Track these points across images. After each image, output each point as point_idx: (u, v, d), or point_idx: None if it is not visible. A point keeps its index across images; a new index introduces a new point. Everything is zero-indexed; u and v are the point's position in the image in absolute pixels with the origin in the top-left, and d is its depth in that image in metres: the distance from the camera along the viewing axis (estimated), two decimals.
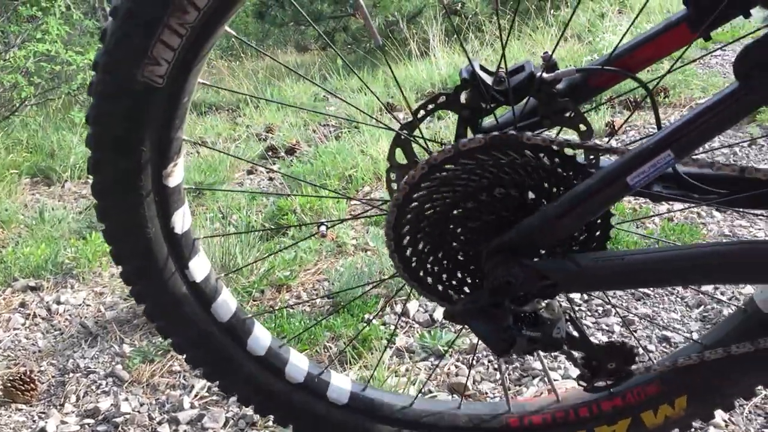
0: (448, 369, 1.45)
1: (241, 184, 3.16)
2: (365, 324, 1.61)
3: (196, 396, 1.49)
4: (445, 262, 0.90)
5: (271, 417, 1.12)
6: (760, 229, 1.82)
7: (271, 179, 3.17)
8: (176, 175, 0.92)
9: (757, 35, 0.74)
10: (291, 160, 3.27)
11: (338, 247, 2.12)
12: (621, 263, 0.81)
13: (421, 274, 0.91)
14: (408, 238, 0.89)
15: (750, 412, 1.23)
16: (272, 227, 2.34)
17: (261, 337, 1.07)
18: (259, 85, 5.23)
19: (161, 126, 0.85)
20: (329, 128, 4.00)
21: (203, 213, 2.56)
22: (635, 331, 1.49)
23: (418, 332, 1.60)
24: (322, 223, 1.04)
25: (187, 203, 0.96)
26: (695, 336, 1.42)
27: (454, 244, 0.89)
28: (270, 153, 3.45)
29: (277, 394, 1.09)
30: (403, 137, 0.88)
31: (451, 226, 0.88)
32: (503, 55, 0.85)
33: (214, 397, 1.48)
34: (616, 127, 2.69)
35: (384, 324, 1.63)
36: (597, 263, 0.82)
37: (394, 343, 1.56)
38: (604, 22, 4.76)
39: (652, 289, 1.58)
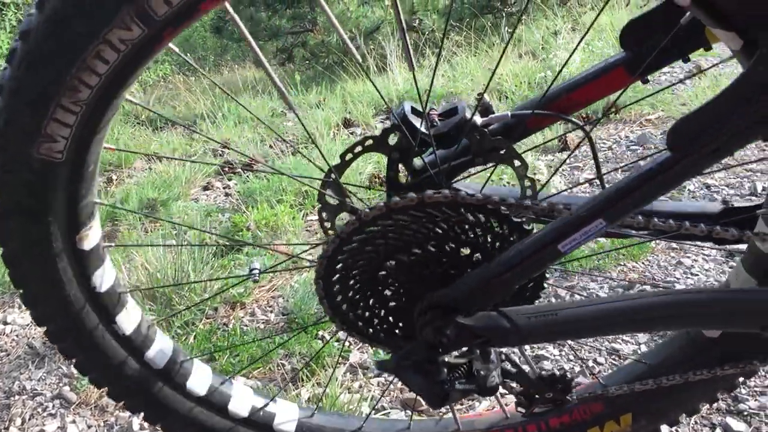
0: (401, 385, 1.45)
1: (196, 200, 3.13)
2: (320, 341, 1.61)
3: None
4: (378, 312, 0.89)
5: None
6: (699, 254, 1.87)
7: (227, 195, 3.14)
8: (91, 237, 0.90)
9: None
10: (247, 176, 3.25)
11: (294, 263, 2.11)
12: (554, 319, 0.81)
13: (354, 322, 0.90)
14: (338, 287, 0.87)
15: (696, 423, 1.25)
16: (226, 243, 2.32)
17: (201, 377, 1.06)
18: (216, 100, 5.19)
19: (67, 196, 0.82)
20: (287, 144, 3.99)
21: (157, 230, 2.53)
22: (586, 343, 1.51)
23: (371, 348, 1.59)
24: (252, 270, 1.02)
25: (109, 260, 0.93)
26: (643, 348, 1.45)
27: (386, 296, 0.88)
28: (226, 169, 3.43)
29: (222, 431, 1.07)
30: (332, 180, 0.88)
31: (382, 281, 0.86)
32: (428, 95, 0.85)
33: None
34: (567, 144, 2.75)
35: (338, 340, 1.63)
36: (530, 320, 0.81)
37: (348, 360, 1.55)
38: (558, 39, 4.85)
39: None
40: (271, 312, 1.86)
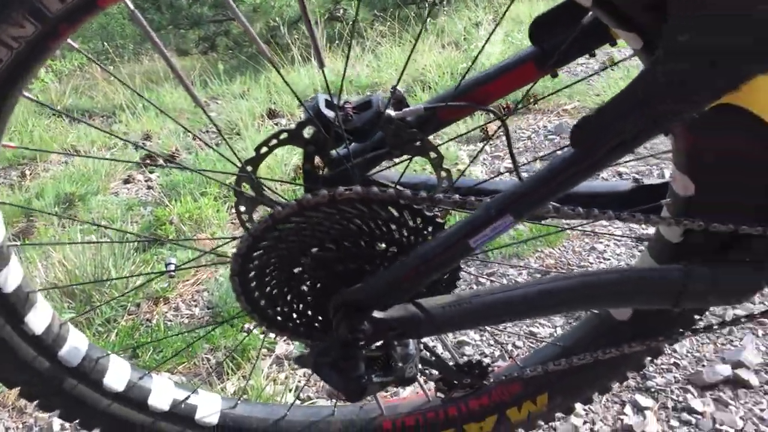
0: None
1: (116, 193, 3.05)
2: (246, 334, 1.61)
3: None
4: (294, 307, 0.90)
5: None
6: (608, 229, 1.96)
7: (149, 188, 3.08)
8: None
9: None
10: (170, 169, 3.19)
11: (218, 256, 2.09)
12: (468, 307, 0.83)
13: (272, 318, 0.90)
14: (255, 283, 0.87)
15: (608, 400, 1.32)
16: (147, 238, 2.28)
17: (119, 373, 1.05)
18: (136, 90, 5.05)
19: None
20: (210, 135, 3.93)
21: (75, 225, 2.45)
22: (505, 329, 1.56)
23: (296, 343, 1.61)
24: (168, 265, 1.01)
25: (15, 259, 0.91)
26: (560, 331, 1.52)
27: (303, 291, 0.88)
28: (148, 161, 3.35)
29: (142, 425, 1.06)
30: (247, 174, 0.88)
31: (299, 277, 0.87)
32: (341, 88, 0.87)
33: None
34: (488, 134, 2.81)
35: (263, 332, 1.63)
36: (445, 310, 0.83)
37: (274, 352, 1.56)
38: (480, 30, 4.93)
39: None
40: (196, 306, 1.85)
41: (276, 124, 3.82)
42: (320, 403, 1.38)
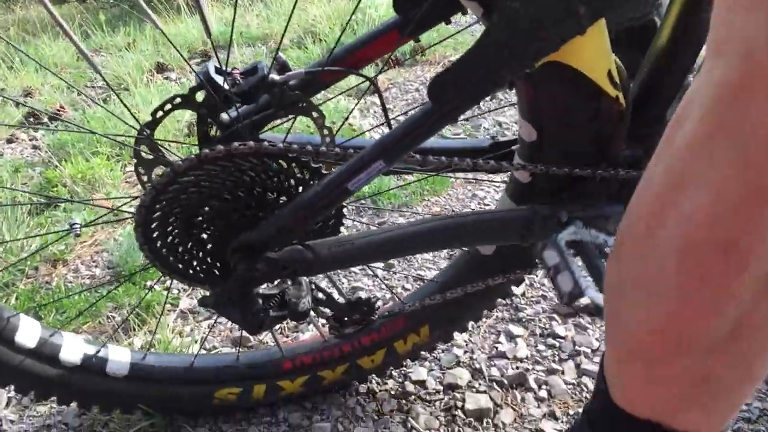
0: (230, 324, 1.56)
1: (1, 153, 2.95)
2: (147, 290, 1.67)
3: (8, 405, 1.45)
4: (195, 254, 0.99)
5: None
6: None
7: (35, 147, 2.99)
8: None
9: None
10: (56, 126, 3.10)
11: (115, 215, 2.10)
12: (351, 247, 0.94)
13: (174, 264, 0.99)
14: (158, 233, 0.95)
15: (485, 332, 1.48)
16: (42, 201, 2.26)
17: (30, 330, 1.11)
18: (11, 42, 4.78)
19: None
20: (96, 90, 3.82)
21: None
22: (395, 273, 1.70)
23: (201, 292, 1.68)
24: (73, 225, 1.06)
25: None
26: None
27: (203, 239, 0.97)
28: (32, 119, 3.24)
29: (55, 379, 1.13)
30: (144, 137, 0.93)
31: (198, 226, 0.96)
32: (228, 56, 0.94)
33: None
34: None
35: (167, 289, 1.69)
36: (331, 250, 0.94)
37: (178, 306, 1.63)
38: None
39: None
40: (96, 267, 1.88)
41: (166, 79, 3.75)
42: (224, 351, 1.47)
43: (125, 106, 1.04)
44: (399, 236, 0.96)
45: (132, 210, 0.94)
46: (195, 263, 1.00)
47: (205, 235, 0.97)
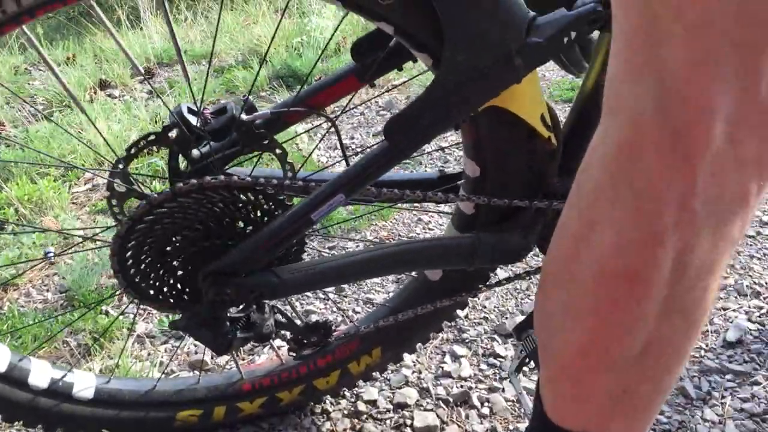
0: (188, 348, 1.61)
1: None
2: (105, 316, 1.70)
3: None
4: (168, 281, 1.05)
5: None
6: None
7: None
8: None
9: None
10: None
11: (65, 239, 2.12)
12: (314, 272, 1.03)
13: (147, 291, 1.05)
14: (132, 263, 1.02)
15: (431, 353, 1.57)
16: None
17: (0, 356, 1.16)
18: None
19: None
20: (38, 107, 3.77)
21: None
22: (345, 296, 1.79)
23: (156, 318, 1.72)
24: (48, 253, 1.11)
25: None
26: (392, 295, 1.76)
27: (175, 266, 1.04)
28: None
29: (23, 403, 1.17)
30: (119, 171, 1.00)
31: (171, 254, 1.03)
32: (202, 100, 1.02)
33: None
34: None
35: (123, 314, 1.73)
36: (294, 275, 1.03)
37: (135, 331, 1.67)
38: (309, 0, 5.04)
39: None
40: (48, 291, 1.89)
41: (109, 96, 3.74)
42: (184, 375, 1.52)
43: (101, 134, 1.09)
44: (356, 261, 1.06)
45: (102, 238, 1.00)
46: (167, 289, 1.06)
47: (177, 263, 1.04)
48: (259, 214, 1.03)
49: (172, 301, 1.07)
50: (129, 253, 1.01)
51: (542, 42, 0.91)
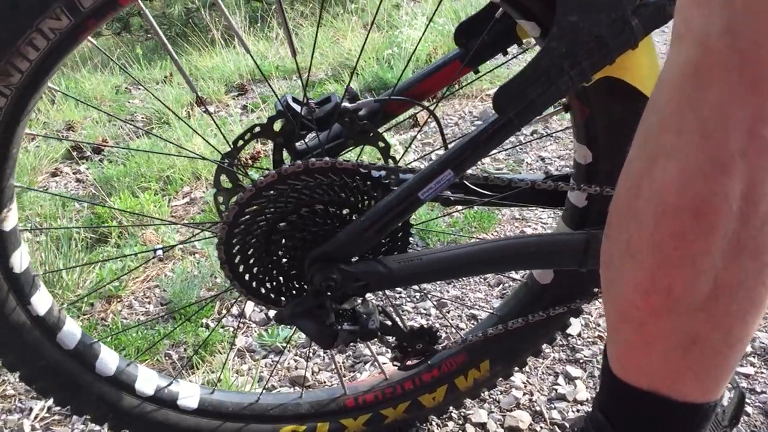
0: (288, 364, 1.58)
1: (46, 187, 3.01)
2: (205, 329, 1.69)
3: (36, 418, 1.48)
4: (273, 271, 1.03)
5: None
6: (535, 215, 2.14)
7: (79, 181, 3.05)
8: (11, 219, 0.99)
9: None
10: (100, 160, 3.16)
11: (175, 246, 2.14)
12: (420, 263, 0.99)
13: (252, 283, 1.03)
14: (238, 252, 1.00)
15: (543, 373, 1.48)
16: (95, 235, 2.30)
17: (109, 358, 1.15)
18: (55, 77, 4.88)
19: None
20: (137, 124, 3.89)
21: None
22: (448, 312, 1.71)
23: (256, 332, 1.70)
24: (156, 249, 1.11)
25: (24, 244, 1.01)
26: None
27: (281, 254, 1.01)
28: (75, 153, 3.31)
29: (130, 409, 1.16)
30: (225, 165, 0.99)
31: (277, 240, 1.00)
32: (305, 88, 1.00)
33: (56, 417, 1.48)
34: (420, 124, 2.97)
35: (223, 327, 1.72)
36: (400, 264, 0.99)
37: (235, 345, 1.65)
38: (400, 13, 5.03)
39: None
40: (149, 303, 1.91)
41: (205, 112, 3.82)
42: (284, 391, 1.48)
43: (223, 135, 1.07)
44: (463, 254, 1.01)
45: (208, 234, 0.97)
46: (272, 283, 1.04)
47: (282, 254, 1.02)
48: (364, 198, 0.99)
49: (276, 292, 1.05)
50: (236, 242, 0.99)
51: (660, 1, 0.83)
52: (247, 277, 1.02)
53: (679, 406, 0.68)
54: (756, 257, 0.60)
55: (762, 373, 1.41)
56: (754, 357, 1.45)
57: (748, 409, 1.31)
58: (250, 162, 2.82)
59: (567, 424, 1.32)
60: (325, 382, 1.51)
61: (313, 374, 1.53)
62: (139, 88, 4.67)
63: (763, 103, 0.53)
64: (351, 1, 5.80)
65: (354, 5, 5.70)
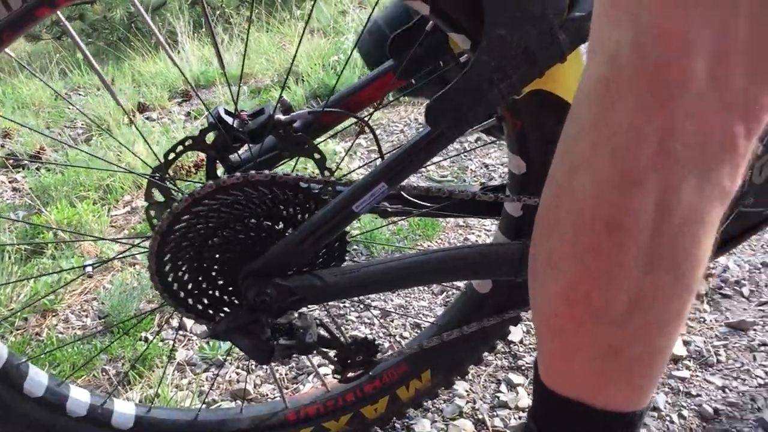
0: (230, 377, 1.55)
1: None
2: (144, 342, 1.65)
3: None
4: (205, 285, 1.01)
5: None
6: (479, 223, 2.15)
7: (15, 190, 2.95)
8: None
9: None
10: (37, 169, 3.06)
11: (106, 261, 2.09)
12: (357, 275, 0.98)
13: (183, 296, 1.01)
14: (170, 264, 0.97)
15: (485, 381, 1.49)
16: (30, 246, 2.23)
17: (37, 378, 1.11)
18: None
19: None
20: (77, 131, 3.79)
21: None
22: (392, 321, 1.71)
23: (197, 344, 1.67)
24: (86, 266, 1.08)
25: None
26: None
27: (214, 268, 1.00)
28: (11, 161, 3.20)
29: (61, 429, 1.12)
30: (156, 179, 0.97)
31: (211, 253, 0.98)
32: (237, 100, 0.98)
33: None
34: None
35: (162, 340, 1.68)
36: (337, 278, 0.98)
37: (174, 359, 1.62)
38: (346, 19, 5.02)
39: None
40: (87, 317, 1.85)
41: (147, 119, 3.74)
42: (225, 405, 1.46)
43: (154, 153, 1.05)
44: (401, 266, 1.00)
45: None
46: (205, 297, 1.01)
47: (215, 268, 1.00)
48: (298, 211, 0.98)
49: (210, 307, 1.02)
50: (168, 255, 0.96)
51: (586, 15, 0.84)
52: (178, 290, 1.00)
53: (605, 414, 0.69)
54: (671, 269, 0.61)
55: (697, 376, 1.44)
56: (689, 360, 1.49)
57: (684, 412, 1.34)
58: (194, 170, 2.78)
59: None
60: (267, 394, 1.48)
61: (255, 387, 1.50)
62: (80, 94, 4.55)
63: (671, 117, 0.54)
64: (297, 6, 5.78)
65: (300, 11, 5.68)
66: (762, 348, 1.51)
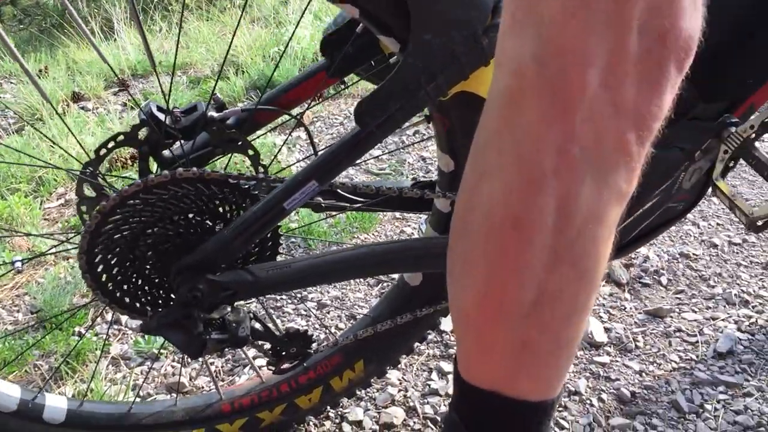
0: (165, 370, 1.56)
1: None
2: (78, 337, 1.64)
3: None
4: (138, 281, 1.01)
5: None
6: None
7: None
8: None
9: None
10: None
11: (36, 257, 2.05)
12: (289, 271, 1.00)
13: (115, 293, 1.01)
14: (101, 262, 0.98)
15: (418, 369, 1.53)
16: None
17: None
18: None
19: None
20: (8, 120, 3.68)
21: None
22: (328, 312, 1.74)
23: (132, 338, 1.67)
24: (15, 262, 1.07)
25: None
26: None
27: (146, 265, 1.00)
28: None
29: None
30: (87, 174, 0.97)
31: (142, 250, 0.99)
32: (169, 95, 0.98)
33: None
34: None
35: (96, 335, 1.67)
36: (269, 273, 0.99)
37: (109, 353, 1.61)
38: (288, 10, 5.00)
39: None
40: (18, 311, 1.82)
41: (82, 109, 3.66)
42: (160, 398, 1.46)
43: (82, 147, 1.04)
44: (332, 260, 1.03)
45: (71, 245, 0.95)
46: (137, 293, 1.02)
47: (147, 264, 1.00)
48: (231, 208, 1.00)
49: (142, 302, 1.03)
50: (98, 251, 0.96)
51: None
52: (110, 287, 1.00)
53: (519, 404, 0.73)
54: (574, 265, 0.65)
55: (616, 361, 1.52)
56: (609, 347, 1.56)
57: (604, 396, 1.41)
58: (129, 162, 2.74)
59: (439, 419, 1.38)
60: (203, 387, 1.50)
61: (190, 380, 1.51)
62: (12, 82, 4.41)
63: (571, 124, 0.58)
64: None
65: (240, 0, 5.61)
66: (677, 334, 1.61)
